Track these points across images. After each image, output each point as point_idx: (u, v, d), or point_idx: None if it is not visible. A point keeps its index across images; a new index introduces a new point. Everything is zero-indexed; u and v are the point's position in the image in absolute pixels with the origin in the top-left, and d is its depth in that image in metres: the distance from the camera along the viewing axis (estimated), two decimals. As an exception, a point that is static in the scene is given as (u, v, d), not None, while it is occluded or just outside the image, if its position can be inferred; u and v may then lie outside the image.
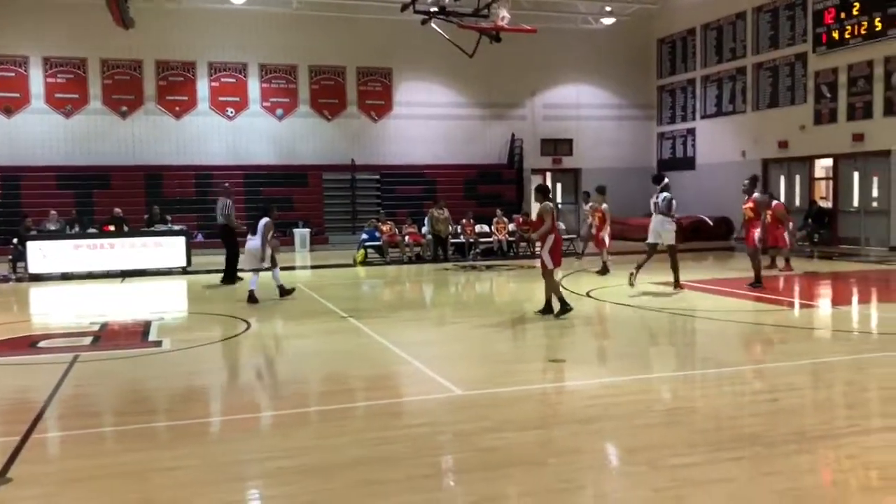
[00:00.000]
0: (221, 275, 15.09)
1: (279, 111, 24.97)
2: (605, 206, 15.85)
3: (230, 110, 24.53)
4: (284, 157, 24.88)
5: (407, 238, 19.63)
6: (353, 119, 25.70)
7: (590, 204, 17.12)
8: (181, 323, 11.57)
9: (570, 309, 10.23)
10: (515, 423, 5.66)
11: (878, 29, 19.55)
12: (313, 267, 17.21)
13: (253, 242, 12.48)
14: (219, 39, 24.32)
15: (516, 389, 6.66)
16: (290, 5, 24.31)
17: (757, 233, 12.58)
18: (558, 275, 10.71)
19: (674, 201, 12.90)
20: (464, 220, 20.32)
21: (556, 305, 10.32)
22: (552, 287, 10.42)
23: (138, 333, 10.08)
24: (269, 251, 12.35)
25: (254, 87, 24.74)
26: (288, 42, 24.76)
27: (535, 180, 28.21)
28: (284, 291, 12.60)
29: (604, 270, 15.24)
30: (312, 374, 7.92)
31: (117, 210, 18.94)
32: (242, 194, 23.90)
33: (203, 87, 24.30)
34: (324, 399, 6.82)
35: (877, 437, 5.29)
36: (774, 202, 15.80)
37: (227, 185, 16.21)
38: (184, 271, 17.17)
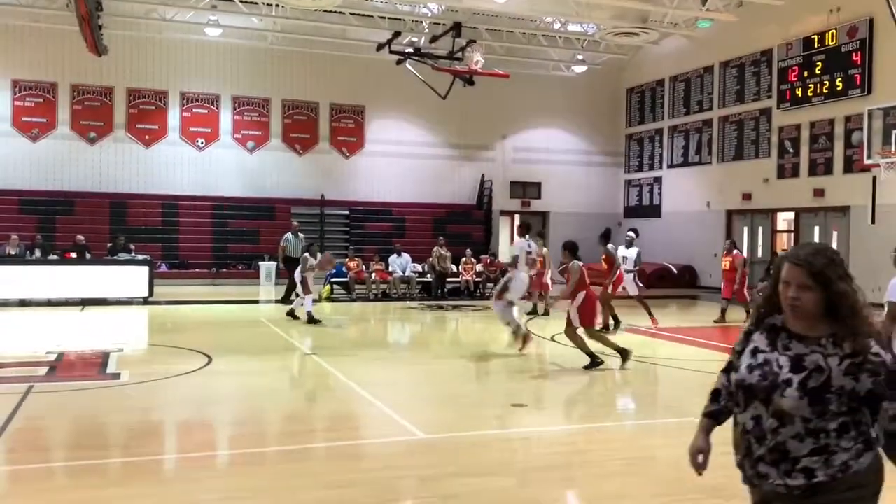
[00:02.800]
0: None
1: (250, 143, 24.93)
2: (545, 250, 16.27)
3: (200, 141, 24.43)
4: (253, 190, 24.77)
5: (374, 275, 19.58)
6: (325, 154, 25.72)
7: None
8: (141, 355, 11.35)
9: (600, 363, 9.66)
10: (477, 469, 5.63)
11: (839, 89, 20.14)
12: (278, 301, 17.09)
13: (296, 273, 14.58)
14: (192, 70, 24.29)
15: (479, 434, 6.62)
16: (266, 39, 24.42)
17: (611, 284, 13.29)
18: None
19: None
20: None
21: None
22: (575, 342, 9.89)
23: (96, 365, 9.86)
24: (300, 281, 14.17)
25: (226, 118, 24.68)
26: (262, 76, 24.82)
27: (504, 222, 28.48)
28: (312, 320, 13.81)
29: (545, 313, 15.69)
30: (273, 412, 7.81)
31: (80, 237, 18.65)
32: (210, 225, 23.82)
33: (174, 116, 24.18)
34: (283, 439, 6.71)
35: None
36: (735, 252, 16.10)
37: (295, 223, 18.77)
38: (145, 301, 16.92)
